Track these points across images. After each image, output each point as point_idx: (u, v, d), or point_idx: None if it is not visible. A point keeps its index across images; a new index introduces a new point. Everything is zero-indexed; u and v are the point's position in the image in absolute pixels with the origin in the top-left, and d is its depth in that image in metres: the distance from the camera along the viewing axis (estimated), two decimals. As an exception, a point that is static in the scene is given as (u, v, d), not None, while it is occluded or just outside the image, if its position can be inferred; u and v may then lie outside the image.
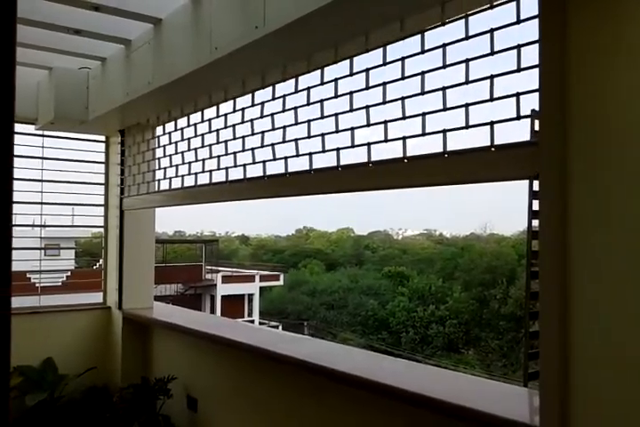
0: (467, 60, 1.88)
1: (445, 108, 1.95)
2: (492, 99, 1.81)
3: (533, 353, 1.71)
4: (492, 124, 1.81)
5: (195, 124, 3.35)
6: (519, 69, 1.73)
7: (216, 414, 3.29)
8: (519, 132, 1.73)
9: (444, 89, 1.95)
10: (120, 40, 3.35)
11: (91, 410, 3.60)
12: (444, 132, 1.95)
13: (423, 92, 2.03)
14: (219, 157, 3.12)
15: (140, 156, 3.99)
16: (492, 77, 1.82)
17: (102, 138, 4.53)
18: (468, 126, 1.88)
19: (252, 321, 25.21)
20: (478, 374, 24.33)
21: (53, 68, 3.85)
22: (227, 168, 3.05)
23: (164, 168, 3.67)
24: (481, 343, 26.48)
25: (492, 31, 1.81)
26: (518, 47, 1.72)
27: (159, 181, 3.74)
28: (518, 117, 1.74)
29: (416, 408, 2.06)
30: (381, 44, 2.17)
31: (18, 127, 4.14)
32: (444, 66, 1.96)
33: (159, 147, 3.81)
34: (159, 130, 3.87)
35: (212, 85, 3.00)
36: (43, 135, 4.22)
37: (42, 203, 4.07)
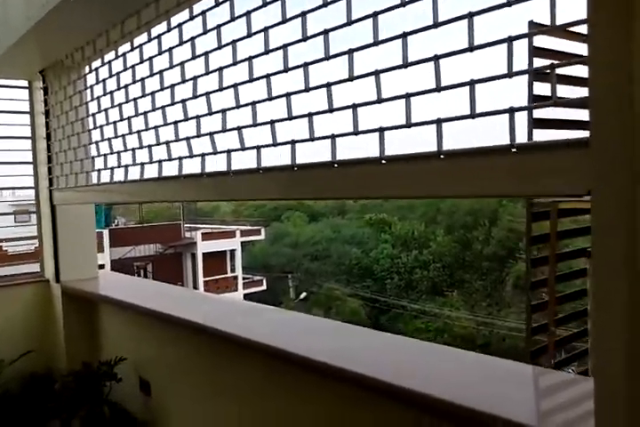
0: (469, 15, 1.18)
1: (439, 89, 1.25)
2: (510, 74, 1.13)
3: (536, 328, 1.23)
4: (511, 111, 1.13)
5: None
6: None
7: (172, 398, 2.85)
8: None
9: (436, 59, 1.24)
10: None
11: (31, 401, 3.13)
12: (439, 122, 1.25)
13: (406, 65, 1.32)
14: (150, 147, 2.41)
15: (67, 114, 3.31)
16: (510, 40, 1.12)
17: (25, 84, 3.85)
18: (473, 115, 1.19)
19: (236, 277, 25.11)
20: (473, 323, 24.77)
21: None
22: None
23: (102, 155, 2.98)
24: (465, 285, 26.80)
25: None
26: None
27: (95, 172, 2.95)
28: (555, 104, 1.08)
29: (394, 402, 1.60)
30: None
31: None
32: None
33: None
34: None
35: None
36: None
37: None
